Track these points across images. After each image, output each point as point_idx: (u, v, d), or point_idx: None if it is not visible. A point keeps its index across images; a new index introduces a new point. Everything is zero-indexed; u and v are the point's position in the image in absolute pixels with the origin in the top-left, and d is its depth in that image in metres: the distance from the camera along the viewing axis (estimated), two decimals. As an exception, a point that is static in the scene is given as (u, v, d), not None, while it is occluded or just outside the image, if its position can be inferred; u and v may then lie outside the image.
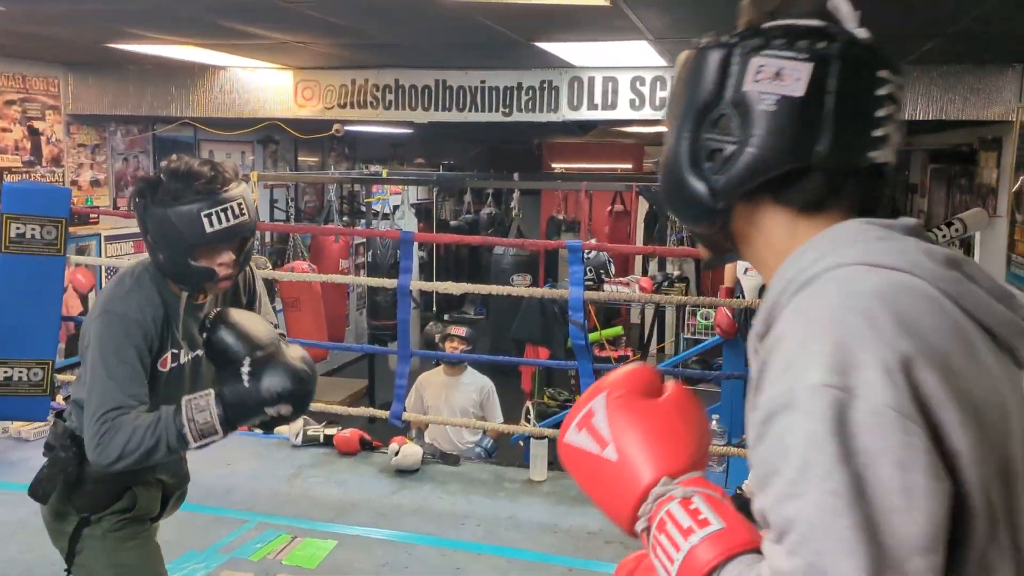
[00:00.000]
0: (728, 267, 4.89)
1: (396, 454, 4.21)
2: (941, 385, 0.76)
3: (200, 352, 1.99)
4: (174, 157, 1.84)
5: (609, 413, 0.96)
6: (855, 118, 0.89)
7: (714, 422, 5.09)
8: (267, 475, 4.22)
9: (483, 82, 5.05)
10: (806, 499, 0.74)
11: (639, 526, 0.93)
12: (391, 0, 3.30)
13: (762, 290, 4.58)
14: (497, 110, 5.06)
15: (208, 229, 1.74)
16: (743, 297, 4.62)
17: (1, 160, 5.17)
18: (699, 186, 0.93)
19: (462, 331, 5.13)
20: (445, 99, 5.11)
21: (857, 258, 0.84)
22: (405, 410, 4.32)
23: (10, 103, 5.23)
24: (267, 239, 8.15)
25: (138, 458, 1.76)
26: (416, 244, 5.21)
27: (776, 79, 0.88)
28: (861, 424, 0.74)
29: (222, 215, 1.74)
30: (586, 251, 5.38)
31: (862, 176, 0.91)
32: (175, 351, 1.94)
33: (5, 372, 4.20)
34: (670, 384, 1.02)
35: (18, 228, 4.10)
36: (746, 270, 4.64)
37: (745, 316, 4.80)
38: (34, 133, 5.41)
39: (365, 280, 5.72)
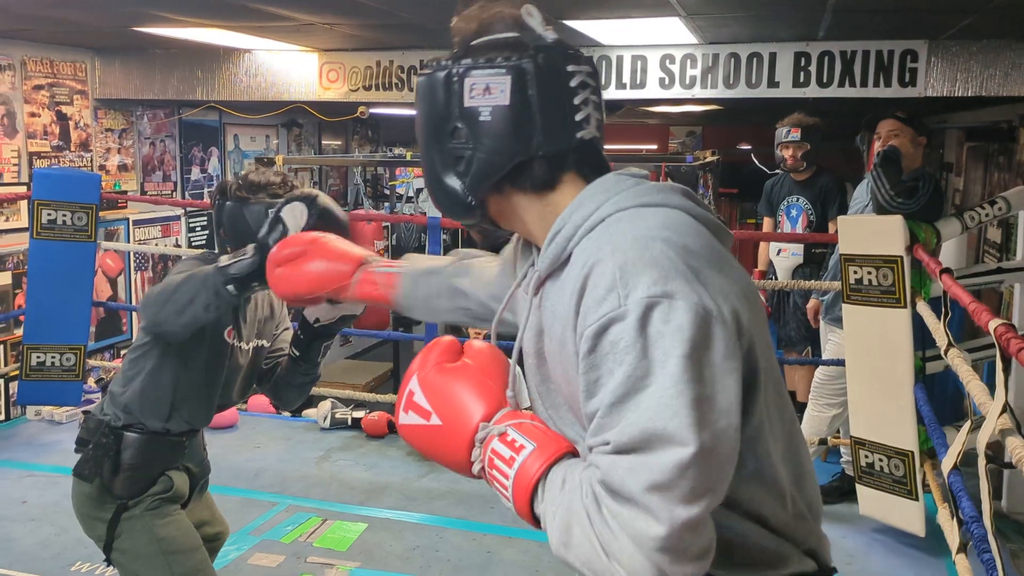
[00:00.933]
0: (761, 249, 4.81)
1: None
2: (725, 283, 0.97)
3: (254, 344, 2.16)
4: (252, 166, 2.01)
5: (423, 389, 1.12)
6: (557, 110, 1.07)
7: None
8: (296, 458, 4.23)
9: (510, 62, 4.99)
10: (651, 386, 0.90)
11: (475, 470, 1.08)
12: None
13: (796, 271, 4.51)
14: (525, 90, 5.00)
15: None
16: (776, 279, 4.54)
17: (30, 145, 5.19)
18: (455, 185, 1.11)
19: None
20: (471, 80, 5.06)
21: (632, 202, 1.04)
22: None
23: (39, 88, 5.24)
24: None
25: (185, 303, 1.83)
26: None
27: (486, 93, 1.07)
28: (684, 319, 0.91)
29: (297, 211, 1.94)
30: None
31: (579, 151, 1.09)
32: (235, 329, 2.11)
33: (38, 357, 4.23)
34: (468, 344, 1.18)
35: (49, 214, 4.11)
36: (779, 251, 4.56)
37: (778, 298, 4.73)
38: (62, 118, 5.43)
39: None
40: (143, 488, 2.05)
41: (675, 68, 4.68)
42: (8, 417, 5.07)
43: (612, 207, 1.04)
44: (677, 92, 4.73)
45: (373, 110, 6.13)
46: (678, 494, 0.88)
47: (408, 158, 7.79)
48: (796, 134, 4.30)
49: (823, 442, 3.53)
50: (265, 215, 1.94)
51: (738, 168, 9.75)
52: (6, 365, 5.05)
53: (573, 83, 1.07)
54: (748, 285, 1.04)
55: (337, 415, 4.61)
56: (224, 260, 1.78)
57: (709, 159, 6.47)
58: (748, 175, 8.46)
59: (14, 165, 5.09)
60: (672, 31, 4.25)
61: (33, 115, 5.21)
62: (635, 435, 0.90)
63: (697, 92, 4.71)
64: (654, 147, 12.16)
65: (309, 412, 4.96)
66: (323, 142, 9.32)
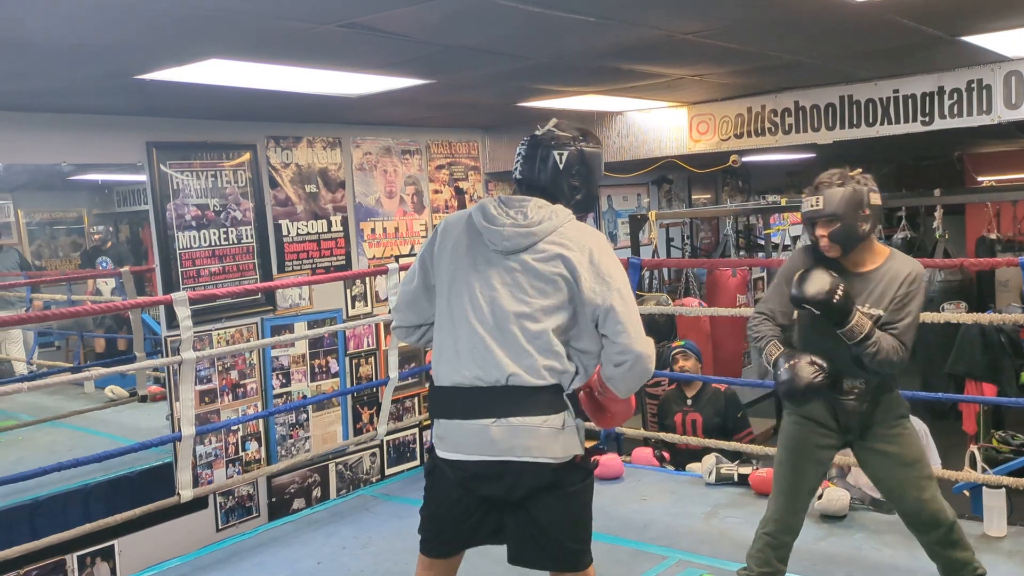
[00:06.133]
0: None
1: (819, 498, 3.90)
2: (443, 239, 2.46)
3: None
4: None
5: None
6: None
7: None
8: (683, 512, 4.15)
9: (896, 91, 4.61)
10: None
11: None
12: (793, 13, 3.13)
13: None
14: (915, 120, 4.57)
15: (803, 210, 2.94)
16: None
17: (435, 219, 5.83)
18: None
19: None
20: (852, 115, 4.75)
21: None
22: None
23: (440, 167, 5.89)
24: (666, 277, 8.25)
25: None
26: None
27: None
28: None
29: (806, 204, 2.91)
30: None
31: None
32: None
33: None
34: None
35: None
36: None
37: None
38: (460, 192, 6.04)
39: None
40: None
41: (1108, 71, 3.99)
42: (422, 462, 5.64)
43: None
44: (1113, 99, 4.03)
45: (744, 158, 6.02)
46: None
47: (783, 204, 7.53)
48: None
49: None
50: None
51: None
52: (420, 414, 5.64)
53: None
54: (456, 244, 2.40)
55: (722, 471, 4.47)
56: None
57: None
58: None
59: (422, 237, 5.75)
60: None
61: (436, 192, 5.86)
62: None
63: None
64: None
65: (693, 467, 4.87)
66: (693, 195, 9.37)
